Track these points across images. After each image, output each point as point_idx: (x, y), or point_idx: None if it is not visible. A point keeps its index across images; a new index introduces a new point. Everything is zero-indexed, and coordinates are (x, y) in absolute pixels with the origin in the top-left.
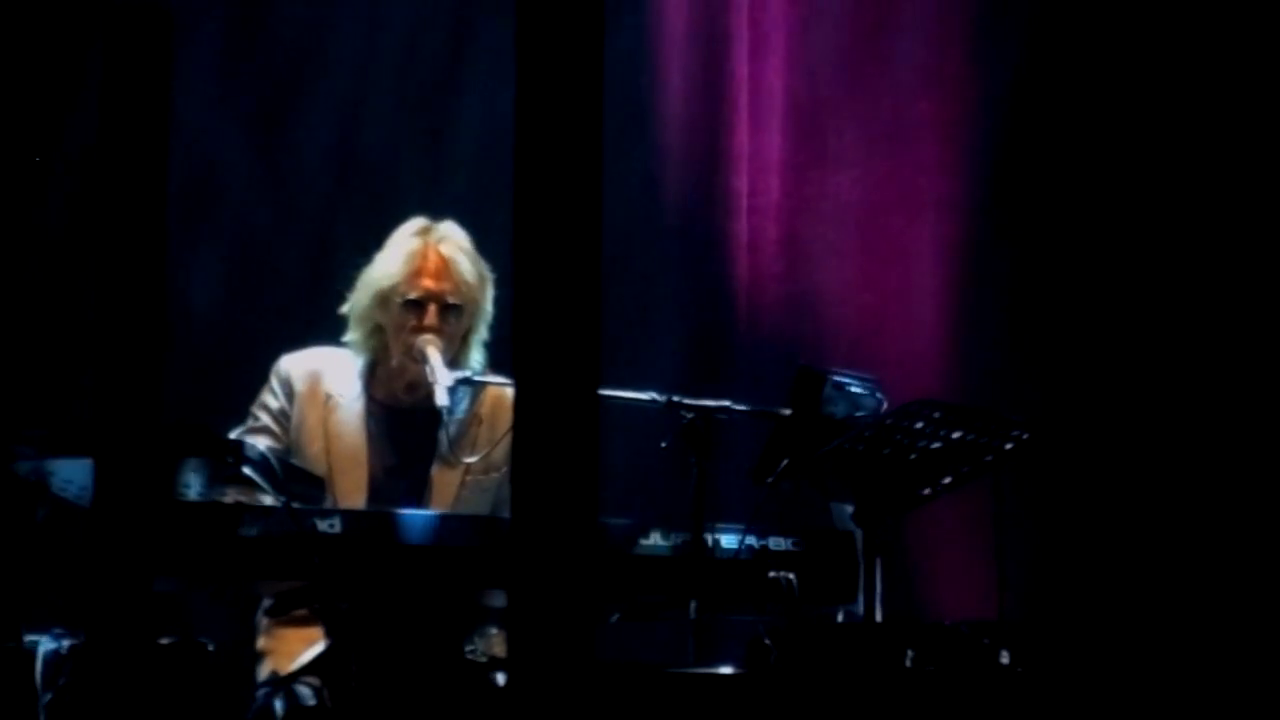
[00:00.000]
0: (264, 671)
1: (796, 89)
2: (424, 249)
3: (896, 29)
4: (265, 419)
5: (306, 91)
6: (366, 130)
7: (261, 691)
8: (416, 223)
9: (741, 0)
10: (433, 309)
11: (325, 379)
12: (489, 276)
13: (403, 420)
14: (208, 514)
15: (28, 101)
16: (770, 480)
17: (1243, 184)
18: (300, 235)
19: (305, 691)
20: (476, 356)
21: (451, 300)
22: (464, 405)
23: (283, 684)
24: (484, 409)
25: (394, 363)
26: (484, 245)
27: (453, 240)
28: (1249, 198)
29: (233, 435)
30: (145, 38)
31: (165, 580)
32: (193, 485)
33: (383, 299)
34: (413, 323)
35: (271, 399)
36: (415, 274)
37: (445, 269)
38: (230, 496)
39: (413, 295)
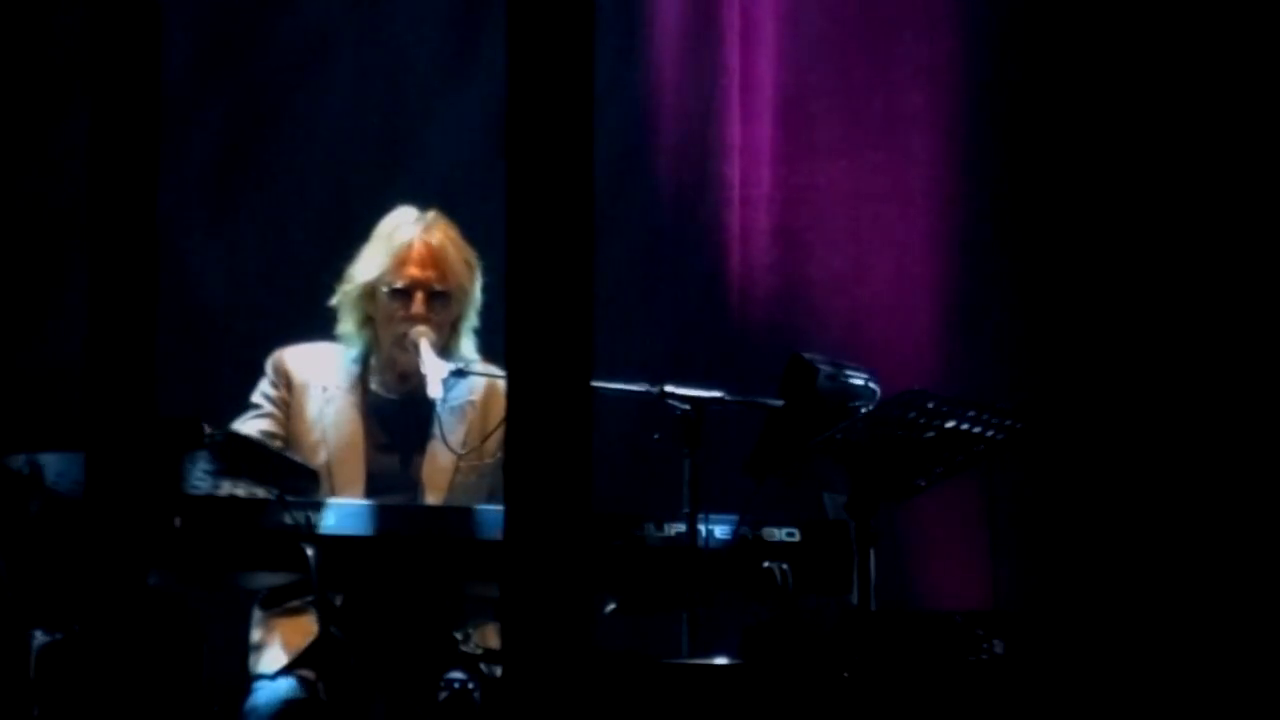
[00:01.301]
0: (259, 664)
1: (787, 80)
2: (409, 238)
3: (887, 20)
4: (268, 406)
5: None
6: (363, 122)
7: (256, 684)
8: (402, 212)
9: None
10: (420, 297)
11: (320, 371)
12: (476, 264)
13: (397, 410)
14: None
15: (17, 94)
16: (764, 471)
17: (1236, 176)
18: (300, 232)
19: (300, 684)
20: (467, 344)
21: (439, 287)
22: (457, 394)
23: (277, 677)
24: (477, 397)
25: (385, 353)
26: (476, 239)
27: (438, 228)
28: (1242, 190)
29: (234, 426)
30: (133, 25)
31: (164, 574)
32: (189, 479)
33: (370, 289)
34: (401, 312)
35: (271, 388)
36: (401, 263)
37: (431, 256)
38: (225, 490)
39: (399, 284)
